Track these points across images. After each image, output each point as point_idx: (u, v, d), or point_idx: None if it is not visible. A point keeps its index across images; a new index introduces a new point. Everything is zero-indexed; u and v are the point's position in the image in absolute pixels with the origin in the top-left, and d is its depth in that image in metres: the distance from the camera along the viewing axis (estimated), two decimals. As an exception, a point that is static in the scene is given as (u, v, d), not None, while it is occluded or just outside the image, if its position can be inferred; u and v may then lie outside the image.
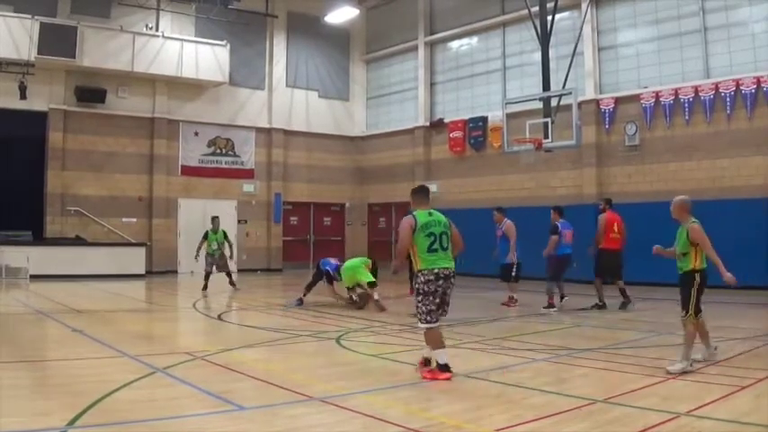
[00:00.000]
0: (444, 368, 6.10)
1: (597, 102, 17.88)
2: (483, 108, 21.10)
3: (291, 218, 23.93)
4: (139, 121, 20.83)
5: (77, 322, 9.78)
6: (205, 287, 14.93)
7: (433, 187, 22.17)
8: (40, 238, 18.84)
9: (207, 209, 21.69)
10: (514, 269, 12.20)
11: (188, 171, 21.73)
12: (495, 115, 19.27)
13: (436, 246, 6.26)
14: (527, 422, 4.69)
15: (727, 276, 6.80)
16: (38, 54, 18.05)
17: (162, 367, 6.52)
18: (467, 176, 21.11)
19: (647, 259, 16.58)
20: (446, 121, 22.06)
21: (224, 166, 22.47)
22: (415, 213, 6.43)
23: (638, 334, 8.89)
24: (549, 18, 14.97)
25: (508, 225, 12.35)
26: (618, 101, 17.54)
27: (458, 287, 6.79)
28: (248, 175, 22.92)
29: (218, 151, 22.39)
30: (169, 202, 21.23)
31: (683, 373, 6.18)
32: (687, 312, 6.80)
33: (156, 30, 20.53)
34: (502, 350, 7.81)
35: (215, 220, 15.64)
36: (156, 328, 10.34)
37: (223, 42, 21.42)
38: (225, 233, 15.63)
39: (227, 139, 22.56)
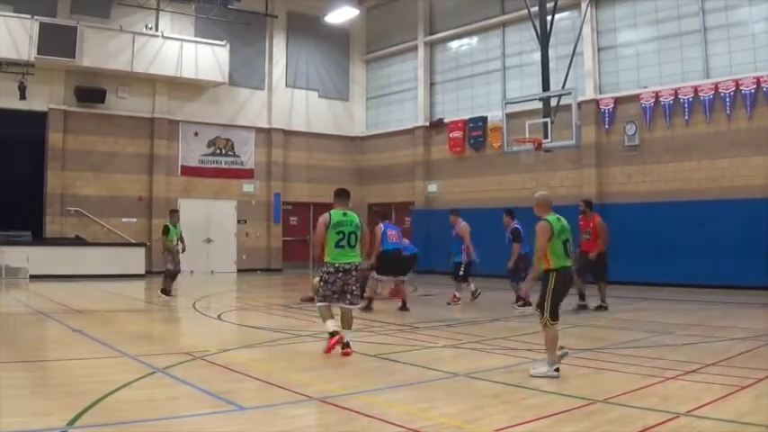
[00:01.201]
0: (333, 334, 7.29)
1: (597, 102, 17.89)
2: (483, 108, 21.10)
3: (291, 218, 23.93)
4: (139, 121, 20.83)
5: (77, 322, 9.77)
6: (168, 290, 13.59)
7: (432, 187, 22.32)
8: (39, 239, 18.85)
9: (207, 209, 21.80)
10: (462, 268, 12.57)
11: (188, 171, 21.74)
12: (495, 115, 19.27)
13: (343, 243, 7.34)
14: (527, 422, 4.69)
15: (525, 287, 6.41)
16: (38, 54, 18.05)
17: (162, 367, 6.52)
18: (466, 176, 21.11)
19: (646, 259, 16.73)
20: (446, 121, 22.07)
21: (224, 166, 22.48)
22: (331, 212, 7.46)
23: (638, 334, 8.88)
24: (549, 18, 14.97)
25: (462, 226, 12.79)
26: (617, 101, 17.55)
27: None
28: (248, 175, 22.92)
29: (218, 151, 22.39)
30: (169, 203, 21.17)
31: (546, 377, 6.06)
32: (542, 315, 6.30)
33: (156, 30, 20.52)
34: (502, 350, 7.81)
35: (175, 213, 14.53)
36: (155, 329, 10.34)
37: (223, 42, 21.43)
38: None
39: (227, 140, 22.56)
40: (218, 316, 11.25)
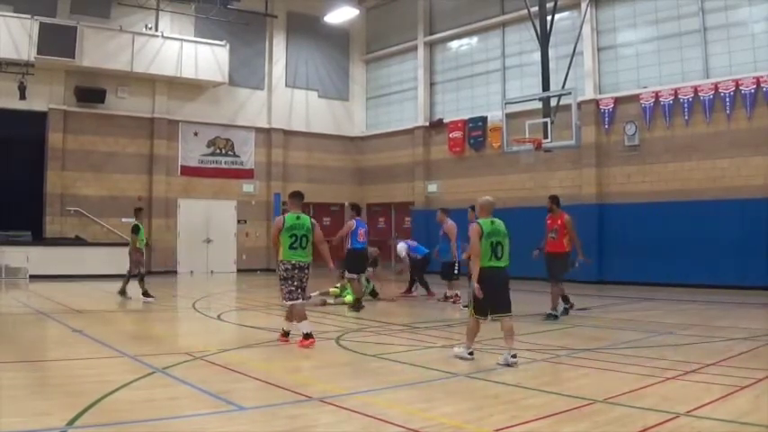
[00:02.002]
0: (308, 336, 7.76)
1: (597, 102, 17.88)
2: (482, 108, 21.10)
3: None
4: (139, 121, 20.83)
5: (77, 322, 9.77)
6: (147, 292, 13.19)
7: (432, 187, 22.31)
8: (39, 239, 18.84)
9: (207, 209, 21.79)
10: (456, 267, 12.56)
11: (188, 171, 21.74)
12: (495, 115, 19.27)
13: (296, 245, 7.95)
14: (527, 422, 4.69)
15: (475, 288, 6.88)
16: (37, 54, 18.05)
17: (161, 367, 6.52)
18: (466, 176, 21.10)
19: (646, 259, 16.72)
20: (446, 121, 22.07)
21: (223, 166, 22.47)
22: (285, 216, 8.04)
23: (638, 334, 8.88)
24: (549, 18, 14.97)
25: (449, 225, 12.77)
26: (617, 101, 17.54)
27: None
28: (248, 175, 22.92)
29: (218, 151, 22.39)
30: (169, 203, 21.23)
31: (463, 358, 6.97)
32: (469, 308, 7.11)
33: (156, 30, 20.53)
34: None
35: (140, 211, 14.29)
36: (155, 329, 10.33)
37: (222, 42, 21.43)
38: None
39: (227, 140, 22.56)
40: (218, 316, 11.25)
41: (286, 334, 8.18)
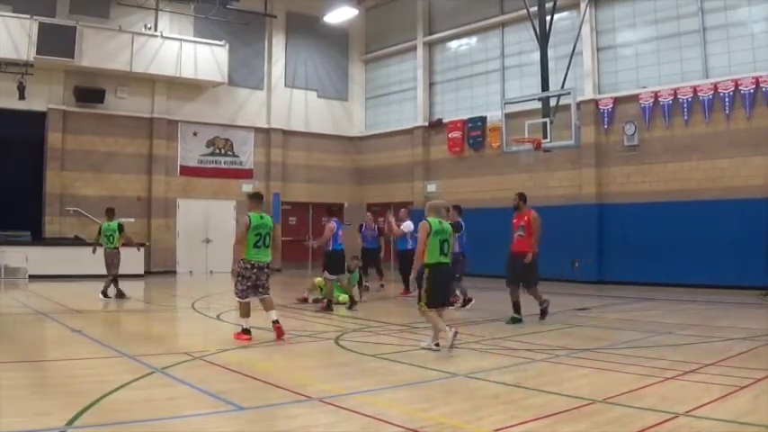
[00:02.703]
0: (246, 332, 8.28)
1: (596, 102, 17.89)
2: (482, 108, 21.10)
3: (290, 218, 23.90)
4: (138, 121, 20.82)
5: (76, 322, 9.77)
6: (121, 293, 13.23)
7: (432, 187, 22.31)
8: (38, 238, 18.82)
9: (206, 209, 21.79)
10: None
11: (187, 171, 21.72)
12: (494, 115, 19.26)
13: (260, 243, 8.33)
14: (526, 422, 4.69)
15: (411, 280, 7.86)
16: (37, 54, 18.03)
17: (161, 367, 6.52)
18: (466, 176, 21.10)
19: (646, 259, 16.72)
20: (445, 121, 22.06)
21: (223, 166, 22.46)
22: (250, 215, 8.38)
23: (637, 334, 8.89)
24: (548, 18, 14.98)
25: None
26: (617, 101, 17.55)
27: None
28: (247, 175, 22.90)
29: (217, 151, 22.38)
30: (168, 203, 21.22)
31: (430, 349, 7.48)
32: (419, 302, 7.72)
33: (155, 30, 20.53)
34: (502, 350, 7.81)
35: (111, 211, 13.93)
36: (154, 329, 10.33)
37: (222, 42, 21.42)
38: (120, 225, 13.57)
39: (226, 140, 22.55)
40: (218, 316, 11.24)
41: (248, 331, 8.39)
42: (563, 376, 6.37)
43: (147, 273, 19.52)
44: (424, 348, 7.56)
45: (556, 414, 4.89)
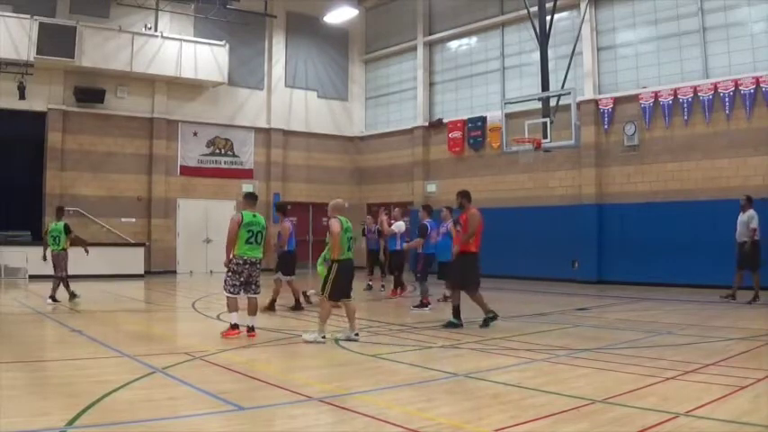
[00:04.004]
0: (234, 327, 8.43)
1: (596, 102, 17.89)
2: (482, 108, 21.10)
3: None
4: (138, 121, 20.83)
5: (76, 322, 9.77)
6: (73, 294, 12.74)
7: (431, 187, 22.31)
8: (39, 239, 18.78)
9: (206, 209, 21.79)
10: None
11: (187, 171, 21.73)
12: (494, 115, 19.26)
13: (252, 240, 8.52)
14: (526, 422, 4.69)
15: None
16: (37, 54, 18.03)
17: (161, 367, 6.52)
18: (465, 176, 21.09)
19: (646, 259, 16.71)
20: (445, 121, 22.07)
21: (223, 166, 22.47)
22: (243, 213, 8.58)
23: (637, 334, 8.89)
24: (548, 18, 14.97)
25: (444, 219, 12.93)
26: (617, 101, 17.55)
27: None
28: (247, 175, 22.91)
29: (217, 151, 22.39)
30: (168, 203, 21.22)
31: (314, 341, 7.87)
32: (322, 293, 8.19)
33: (155, 30, 20.53)
34: (502, 350, 7.81)
35: (60, 211, 13.41)
36: (154, 329, 10.33)
37: (222, 42, 21.42)
38: (66, 226, 12.84)
39: (226, 140, 22.56)
40: (218, 316, 11.23)
41: (235, 327, 8.49)
42: (563, 376, 6.37)
43: (148, 273, 19.52)
44: (307, 341, 7.98)
45: (556, 414, 4.89)
